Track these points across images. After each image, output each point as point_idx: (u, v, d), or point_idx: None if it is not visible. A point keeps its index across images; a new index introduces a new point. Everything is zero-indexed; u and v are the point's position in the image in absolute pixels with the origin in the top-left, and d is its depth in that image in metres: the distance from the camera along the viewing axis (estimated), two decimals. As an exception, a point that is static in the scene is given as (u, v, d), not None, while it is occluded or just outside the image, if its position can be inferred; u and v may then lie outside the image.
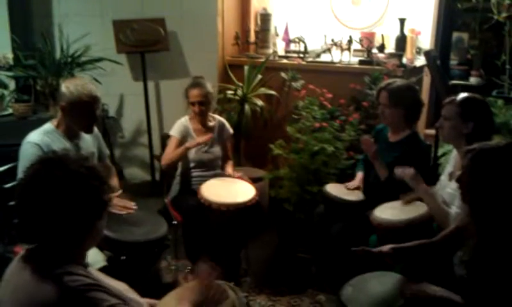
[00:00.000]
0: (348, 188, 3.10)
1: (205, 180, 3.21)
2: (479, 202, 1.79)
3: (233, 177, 3.32)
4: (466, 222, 1.94)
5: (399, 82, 2.97)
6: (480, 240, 1.80)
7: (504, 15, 4.15)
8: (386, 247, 2.13)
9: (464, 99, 2.40)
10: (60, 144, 2.58)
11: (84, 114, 2.59)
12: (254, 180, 3.45)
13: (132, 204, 2.79)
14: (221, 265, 3.07)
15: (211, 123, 3.44)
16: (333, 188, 3.08)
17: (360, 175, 3.17)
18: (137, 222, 2.73)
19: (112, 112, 4.36)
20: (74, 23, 4.24)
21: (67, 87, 2.55)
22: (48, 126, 2.65)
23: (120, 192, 2.86)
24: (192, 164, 3.37)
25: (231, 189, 3.13)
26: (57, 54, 4.08)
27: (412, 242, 2.14)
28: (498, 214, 1.76)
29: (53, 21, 4.35)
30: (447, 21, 4.36)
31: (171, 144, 3.33)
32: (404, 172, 2.54)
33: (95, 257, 2.34)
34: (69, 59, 4.01)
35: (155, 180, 4.32)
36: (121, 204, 2.75)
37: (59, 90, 2.63)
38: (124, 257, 2.55)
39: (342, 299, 2.07)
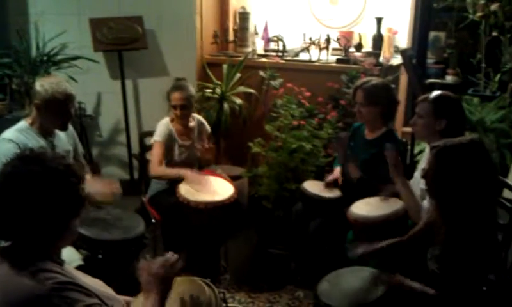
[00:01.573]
0: (327, 182, 3.11)
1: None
2: (444, 197, 1.84)
3: (213, 175, 3.32)
4: (434, 216, 1.98)
5: (374, 80, 3.00)
6: (448, 234, 1.84)
7: (479, 14, 4.24)
8: (358, 253, 2.21)
9: (437, 97, 2.45)
10: (35, 141, 2.57)
11: (58, 112, 2.59)
12: (233, 178, 3.46)
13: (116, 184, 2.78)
14: (200, 262, 3.10)
15: (191, 124, 3.43)
16: (311, 186, 3.10)
17: (338, 169, 3.20)
18: (114, 220, 2.71)
19: (89, 111, 4.31)
20: (50, 22, 4.17)
21: (41, 85, 2.55)
22: (22, 124, 2.63)
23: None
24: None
25: (209, 187, 3.13)
26: (33, 52, 4.03)
27: (383, 242, 2.19)
28: (463, 208, 1.80)
29: (29, 19, 4.28)
30: (423, 20, 4.41)
31: (157, 149, 3.26)
32: (392, 155, 2.56)
33: (71, 256, 2.33)
34: (45, 58, 3.96)
35: (134, 179, 4.29)
36: (105, 182, 2.74)
37: (33, 88, 2.62)
38: (101, 256, 2.53)
39: (318, 294, 2.10)
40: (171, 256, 1.68)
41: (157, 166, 3.22)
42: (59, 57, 4.00)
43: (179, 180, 3.14)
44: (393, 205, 2.53)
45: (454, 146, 1.84)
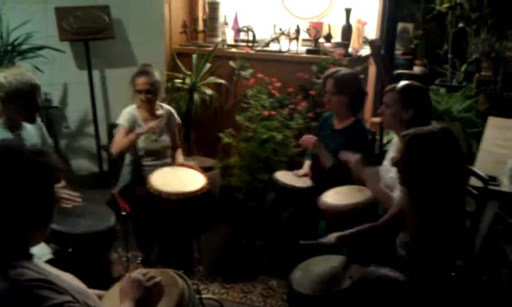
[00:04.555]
0: (297, 176, 3.15)
1: (155, 170, 3.18)
2: (415, 184, 1.88)
3: (185, 166, 3.30)
4: (406, 204, 2.02)
5: (344, 70, 3.05)
6: (419, 222, 1.88)
7: (446, 5, 4.31)
8: (332, 238, 2.20)
9: (404, 86, 2.48)
10: (1, 135, 2.52)
11: (24, 104, 2.54)
12: (205, 169, 3.44)
13: (77, 196, 2.73)
14: (172, 254, 3.08)
15: (159, 112, 3.40)
16: (283, 176, 3.12)
17: (308, 163, 3.23)
18: (83, 213, 2.67)
19: (56, 102, 4.22)
20: (15, 10, 4.05)
21: (5, 77, 2.50)
22: None
23: (63, 183, 2.78)
24: (141, 154, 3.33)
25: (180, 178, 3.11)
26: (-3, 42, 3.91)
27: (356, 227, 2.21)
28: (433, 195, 1.85)
29: (-9, 8, 4.17)
30: (392, 11, 4.45)
31: (120, 133, 3.27)
32: (349, 157, 2.60)
33: (41, 250, 2.28)
34: (9, 48, 3.85)
35: (103, 171, 4.23)
36: (65, 196, 2.69)
37: None
38: (71, 249, 2.49)
39: (290, 283, 2.12)
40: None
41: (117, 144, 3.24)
42: (24, 46, 3.90)
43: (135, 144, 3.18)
44: (363, 194, 2.56)
45: (424, 134, 1.88)
